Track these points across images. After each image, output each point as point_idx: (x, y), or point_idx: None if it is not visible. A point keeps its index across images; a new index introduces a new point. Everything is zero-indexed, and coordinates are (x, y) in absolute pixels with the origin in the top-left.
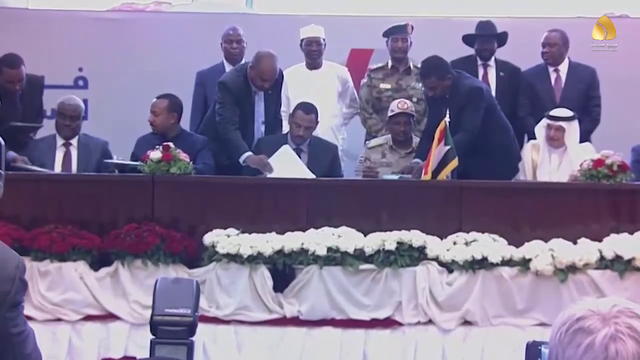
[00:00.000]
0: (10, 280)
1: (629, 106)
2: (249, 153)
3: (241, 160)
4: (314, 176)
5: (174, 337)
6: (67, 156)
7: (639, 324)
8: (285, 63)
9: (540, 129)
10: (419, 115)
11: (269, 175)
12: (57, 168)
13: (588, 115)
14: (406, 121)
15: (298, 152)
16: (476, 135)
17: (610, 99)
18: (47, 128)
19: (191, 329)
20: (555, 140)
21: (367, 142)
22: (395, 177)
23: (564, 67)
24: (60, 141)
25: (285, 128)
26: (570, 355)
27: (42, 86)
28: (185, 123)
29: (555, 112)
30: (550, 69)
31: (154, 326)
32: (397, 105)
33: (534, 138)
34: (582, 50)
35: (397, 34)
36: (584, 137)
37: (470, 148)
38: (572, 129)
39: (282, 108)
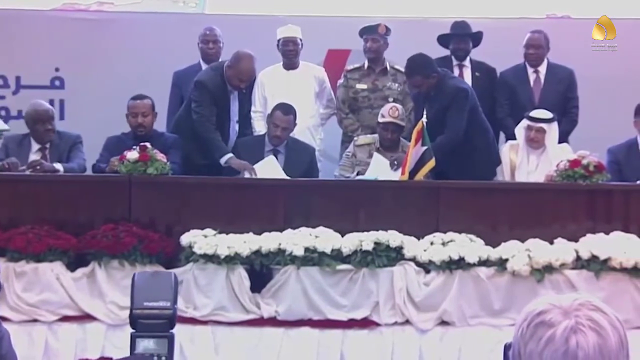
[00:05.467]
0: None
1: (605, 107)
2: (231, 155)
3: (222, 161)
4: None
5: (154, 330)
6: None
7: (600, 316)
8: (259, 64)
9: (520, 129)
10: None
11: (247, 176)
12: None
13: (566, 116)
14: (394, 129)
15: (275, 153)
16: (460, 137)
17: (586, 100)
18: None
19: (171, 322)
20: (536, 142)
21: (355, 138)
22: (372, 177)
23: (542, 68)
24: (35, 146)
25: (255, 128)
26: (531, 349)
27: None
28: (161, 123)
29: (535, 114)
30: (530, 70)
31: (133, 320)
32: (388, 112)
33: (513, 139)
34: (556, 50)
35: (368, 34)
36: (562, 138)
37: (452, 149)
38: (552, 131)
39: (259, 109)
